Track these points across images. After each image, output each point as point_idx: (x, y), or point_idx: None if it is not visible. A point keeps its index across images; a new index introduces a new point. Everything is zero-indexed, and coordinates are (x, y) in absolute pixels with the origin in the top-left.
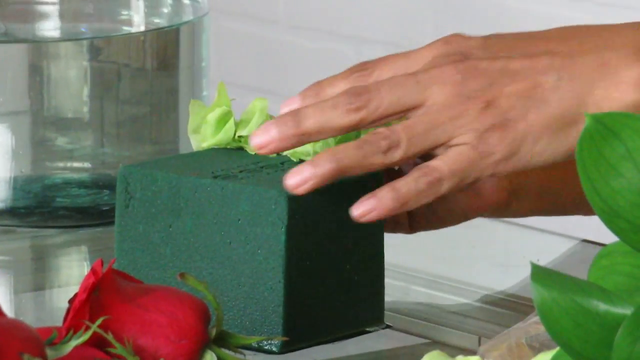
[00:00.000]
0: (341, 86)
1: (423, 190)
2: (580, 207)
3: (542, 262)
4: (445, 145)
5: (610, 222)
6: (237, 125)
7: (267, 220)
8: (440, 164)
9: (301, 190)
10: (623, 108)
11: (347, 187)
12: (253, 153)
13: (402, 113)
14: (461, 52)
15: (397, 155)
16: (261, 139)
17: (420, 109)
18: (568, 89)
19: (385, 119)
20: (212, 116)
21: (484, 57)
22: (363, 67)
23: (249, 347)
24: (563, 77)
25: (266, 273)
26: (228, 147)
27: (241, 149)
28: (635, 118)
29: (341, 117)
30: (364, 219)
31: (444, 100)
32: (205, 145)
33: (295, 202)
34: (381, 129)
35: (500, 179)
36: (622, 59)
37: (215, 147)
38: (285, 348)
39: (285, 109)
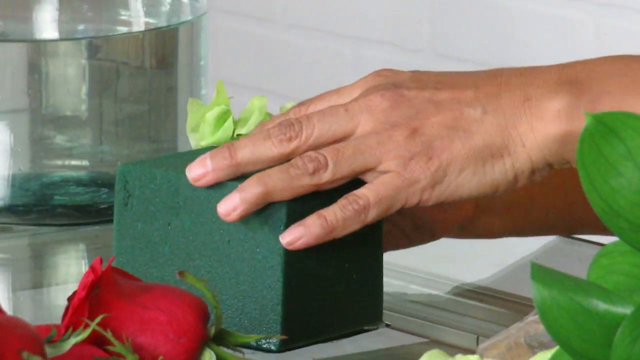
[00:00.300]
0: (278, 120)
1: (349, 218)
2: (554, 226)
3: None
4: (373, 170)
5: (610, 221)
6: (236, 123)
7: (267, 218)
8: (366, 192)
9: (232, 217)
10: (547, 140)
11: (344, 185)
12: None
13: (333, 142)
14: (391, 83)
15: (324, 177)
16: (197, 172)
17: (350, 137)
18: (493, 122)
19: (317, 147)
20: (211, 115)
21: (412, 87)
22: (299, 104)
23: (247, 346)
24: (488, 111)
25: (265, 271)
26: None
27: None
28: (635, 117)
29: (274, 148)
30: (292, 247)
31: (372, 127)
32: (203, 143)
33: (295, 201)
34: (309, 152)
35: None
36: (544, 93)
37: (214, 145)
38: (283, 347)
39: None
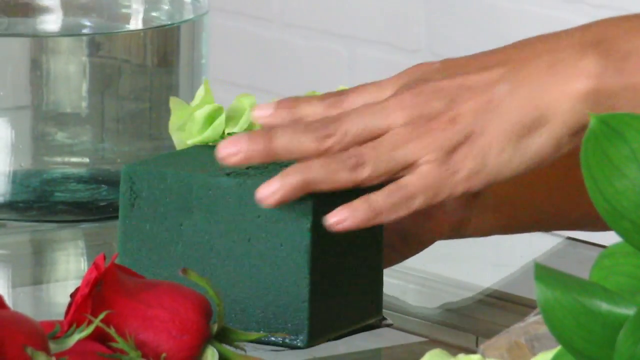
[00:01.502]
0: (316, 105)
1: (396, 204)
2: (539, 223)
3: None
4: (413, 165)
5: (614, 222)
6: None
7: (291, 216)
8: (413, 179)
9: (270, 200)
10: (579, 100)
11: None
12: None
13: (369, 140)
14: (422, 79)
15: (364, 173)
16: (229, 149)
17: (386, 134)
18: (523, 95)
19: (354, 145)
20: (200, 113)
21: (442, 78)
22: (338, 93)
23: (272, 343)
24: (515, 85)
25: (290, 268)
26: (211, 144)
27: None
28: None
29: (311, 142)
30: (337, 228)
31: (407, 123)
32: (190, 142)
33: (319, 198)
34: (351, 148)
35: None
36: (569, 56)
37: (200, 144)
38: (311, 342)
39: (257, 113)
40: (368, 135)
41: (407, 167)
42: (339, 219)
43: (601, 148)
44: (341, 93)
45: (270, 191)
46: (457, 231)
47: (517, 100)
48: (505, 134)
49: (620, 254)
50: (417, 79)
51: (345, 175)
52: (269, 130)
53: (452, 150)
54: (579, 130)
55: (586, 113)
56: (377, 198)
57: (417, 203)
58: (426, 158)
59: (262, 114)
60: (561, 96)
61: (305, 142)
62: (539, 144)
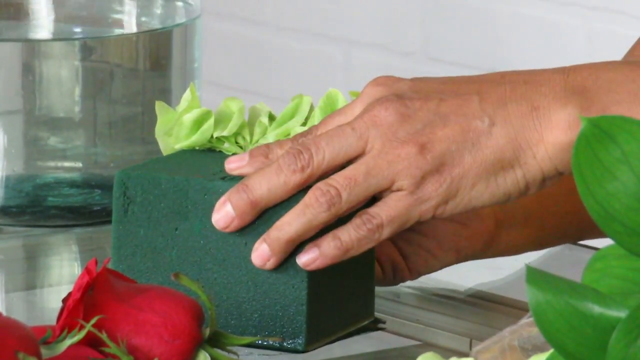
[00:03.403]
0: (288, 146)
1: (364, 237)
2: (568, 233)
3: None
4: (386, 191)
5: (606, 225)
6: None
7: None
8: (379, 211)
9: (268, 266)
10: (558, 150)
11: None
12: (231, 153)
13: (346, 161)
14: (393, 94)
15: (341, 208)
16: (224, 221)
17: (361, 155)
18: (502, 134)
19: (330, 171)
20: (189, 117)
21: (415, 97)
22: (308, 130)
23: (270, 347)
24: (495, 122)
25: (288, 272)
26: (197, 148)
27: (213, 150)
28: (631, 121)
29: (288, 179)
30: (309, 268)
31: (380, 146)
32: (178, 147)
33: None
34: (321, 186)
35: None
36: (552, 103)
37: (189, 149)
38: (309, 346)
39: (231, 165)
40: (343, 158)
41: (381, 192)
42: (308, 259)
43: (592, 150)
44: (310, 128)
45: (264, 258)
46: (489, 246)
47: (495, 138)
48: (480, 169)
49: (612, 256)
50: (388, 95)
51: (323, 216)
52: (245, 185)
53: (424, 178)
54: (551, 177)
55: (562, 163)
56: (345, 234)
57: (385, 233)
58: (397, 185)
59: (236, 165)
60: (540, 142)
61: (283, 183)
62: (511, 183)
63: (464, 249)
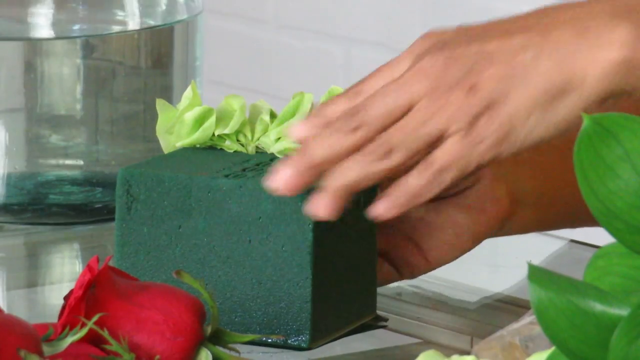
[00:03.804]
0: (340, 103)
1: (429, 182)
2: (579, 216)
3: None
4: (440, 139)
5: (607, 223)
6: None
7: (293, 217)
8: (439, 155)
9: (329, 215)
10: (611, 68)
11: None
12: (232, 151)
13: (399, 117)
14: (438, 44)
15: (396, 158)
16: (281, 183)
17: (413, 108)
18: (548, 62)
19: (384, 128)
20: (190, 115)
21: (459, 43)
22: (357, 83)
23: (274, 345)
24: (541, 52)
25: (292, 269)
26: (199, 146)
27: (214, 147)
28: (633, 120)
29: (344, 141)
30: (382, 218)
31: (429, 95)
32: (179, 144)
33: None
34: (376, 138)
35: (495, 189)
36: (600, 24)
37: (191, 147)
38: (313, 343)
39: (294, 134)
40: (394, 115)
41: (435, 142)
42: (382, 210)
43: (594, 148)
44: (359, 82)
45: (323, 206)
46: (503, 226)
47: (543, 67)
48: (531, 100)
49: (614, 254)
50: (433, 46)
51: (379, 166)
52: (304, 150)
53: (476, 118)
54: (607, 98)
55: (617, 82)
56: (411, 181)
57: (449, 177)
58: (451, 130)
59: (297, 132)
60: (592, 63)
61: (339, 144)
62: (566, 110)
63: (481, 234)
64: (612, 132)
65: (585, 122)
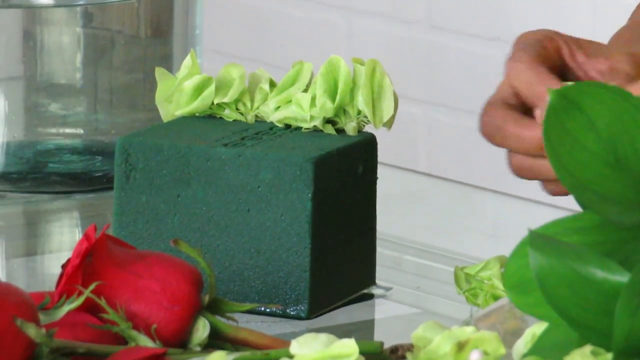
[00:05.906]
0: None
1: None
2: None
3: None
4: None
5: (580, 194)
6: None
7: (292, 186)
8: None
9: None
10: None
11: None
12: (231, 120)
13: None
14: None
15: None
16: None
17: None
18: None
19: None
20: (190, 84)
21: None
22: None
23: (273, 314)
24: None
25: (291, 238)
26: (198, 115)
27: (213, 116)
28: (595, 85)
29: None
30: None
31: None
32: (178, 113)
33: (319, 168)
34: None
35: None
36: None
37: (190, 115)
38: (312, 313)
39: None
40: None
41: None
42: None
43: (560, 122)
44: None
45: None
46: None
47: None
48: None
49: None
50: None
51: None
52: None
53: None
54: None
55: None
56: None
57: None
58: None
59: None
60: None
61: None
62: None
63: None
64: (576, 103)
65: (551, 96)
